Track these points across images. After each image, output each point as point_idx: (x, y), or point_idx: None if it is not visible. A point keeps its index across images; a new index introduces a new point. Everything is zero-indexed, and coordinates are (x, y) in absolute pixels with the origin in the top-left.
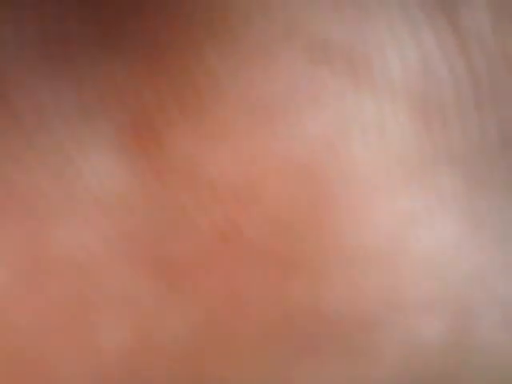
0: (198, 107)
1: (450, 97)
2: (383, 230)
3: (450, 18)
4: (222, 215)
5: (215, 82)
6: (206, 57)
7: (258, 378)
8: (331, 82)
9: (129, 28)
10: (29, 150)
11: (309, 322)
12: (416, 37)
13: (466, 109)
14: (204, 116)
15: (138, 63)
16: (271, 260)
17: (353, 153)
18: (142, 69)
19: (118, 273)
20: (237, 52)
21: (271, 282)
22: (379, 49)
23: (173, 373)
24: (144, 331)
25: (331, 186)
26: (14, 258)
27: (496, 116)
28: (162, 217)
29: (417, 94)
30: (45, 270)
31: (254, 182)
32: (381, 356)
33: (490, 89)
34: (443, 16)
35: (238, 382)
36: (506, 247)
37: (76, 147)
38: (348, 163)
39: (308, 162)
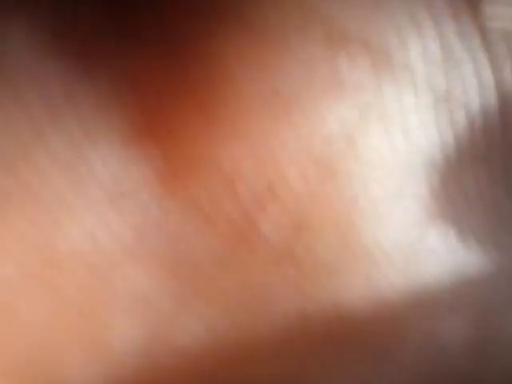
0: (213, 102)
1: (473, 91)
2: (405, 228)
3: (473, 11)
4: (238, 213)
5: (230, 75)
6: (220, 49)
7: (275, 379)
8: (350, 74)
9: (142, 21)
10: (40, 146)
11: (327, 322)
12: (438, 28)
13: (488, 101)
14: (219, 110)
15: (153, 57)
16: (289, 258)
17: (373, 147)
18: (156, 63)
19: (131, 271)
20: (252, 43)
21: (289, 281)
22: (399, 39)
23: (188, 374)
24: (157, 331)
25: (351, 182)
26: (24, 255)
27: None
28: (177, 214)
29: (439, 88)
30: (56, 267)
31: (272, 179)
32: (401, 358)
33: (511, 81)
34: (467, 8)
35: (254, 382)
36: None
37: (88, 143)
38: (369, 158)
39: (327, 157)
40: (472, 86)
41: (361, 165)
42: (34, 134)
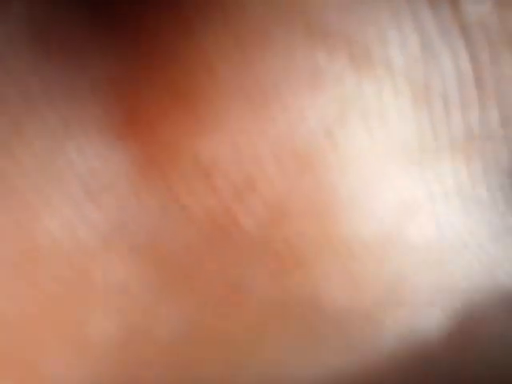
0: (192, 92)
1: (452, 84)
2: (384, 219)
3: (452, 3)
4: (217, 204)
5: (209, 67)
6: (199, 41)
7: (255, 370)
8: (330, 67)
9: (119, 13)
10: (16, 137)
11: (307, 313)
12: (417, 21)
13: (467, 96)
14: (198, 101)
15: (129, 48)
16: (268, 250)
17: (352, 139)
18: (133, 54)
19: (109, 264)
20: (232, 37)
21: (269, 273)
22: (379, 33)
23: (166, 366)
24: (136, 324)
25: (330, 174)
26: (1, 247)
27: (498, 103)
28: (154, 206)
29: (418, 80)
30: (32, 260)
31: (250, 170)
32: (380, 347)
33: (492, 76)
34: (446, 1)
35: (235, 374)
36: (510, 236)
37: (66, 134)
38: (347, 150)
39: (306, 149)
40: (451, 79)
41: (340, 158)
42: (11, 127)
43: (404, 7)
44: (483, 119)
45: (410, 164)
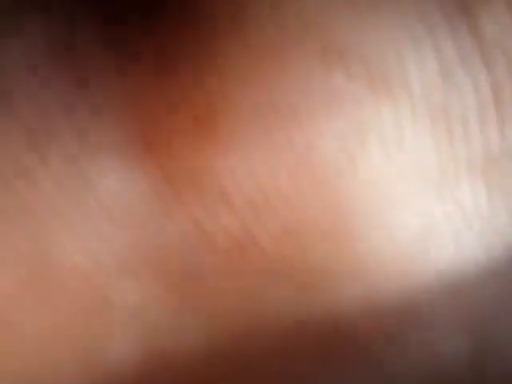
0: (210, 115)
1: (471, 107)
2: (402, 240)
3: (470, 25)
4: (236, 226)
5: (227, 90)
6: (218, 64)
7: None
8: (347, 89)
9: (139, 35)
10: (37, 160)
11: (323, 334)
12: (435, 44)
13: (486, 118)
14: (216, 124)
15: (149, 71)
16: (287, 271)
17: (370, 162)
18: (153, 77)
19: (127, 285)
20: (250, 59)
21: (286, 293)
22: (397, 55)
23: None
24: (155, 345)
25: (348, 197)
26: (22, 269)
27: None
28: (173, 228)
29: (436, 103)
30: (52, 281)
31: (268, 192)
32: (396, 364)
33: (510, 95)
34: (463, 23)
35: None
36: None
37: (85, 157)
38: (365, 173)
39: (323, 170)
40: (470, 101)
41: (357, 179)
42: (30, 148)
43: (422, 30)
44: (502, 141)
45: (428, 185)
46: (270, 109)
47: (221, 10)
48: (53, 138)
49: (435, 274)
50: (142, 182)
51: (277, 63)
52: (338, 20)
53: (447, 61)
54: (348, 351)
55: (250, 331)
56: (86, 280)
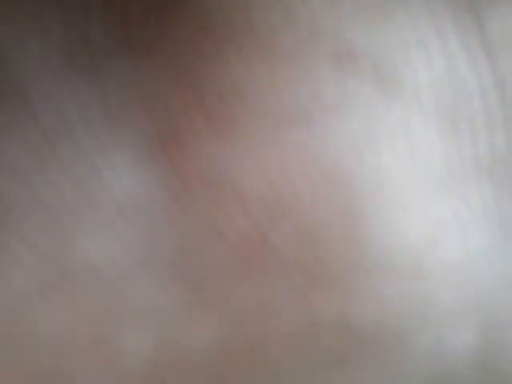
0: (224, 116)
1: (478, 107)
2: (412, 238)
3: (477, 26)
4: (249, 225)
5: (241, 91)
6: (231, 66)
7: None
8: (357, 90)
9: (154, 37)
10: (53, 161)
11: (335, 333)
12: (443, 44)
13: (493, 119)
14: (229, 125)
15: (163, 72)
16: (298, 270)
17: (380, 162)
18: (167, 77)
19: (143, 283)
20: (262, 61)
21: (298, 292)
22: (406, 56)
23: (199, 383)
24: (170, 341)
25: (359, 196)
26: (39, 266)
27: None
28: (187, 227)
29: (444, 104)
30: (70, 279)
31: (281, 192)
32: (408, 368)
33: None
34: (470, 24)
35: None
36: None
37: (100, 157)
38: (376, 172)
39: (335, 172)
40: (477, 101)
41: (368, 179)
42: (47, 147)
43: (430, 31)
44: (508, 141)
45: (436, 185)
46: (283, 110)
47: (236, 15)
48: (67, 135)
49: (443, 270)
50: (156, 181)
51: (289, 65)
52: (348, 24)
53: (455, 61)
54: (357, 348)
55: (261, 329)
56: (100, 276)
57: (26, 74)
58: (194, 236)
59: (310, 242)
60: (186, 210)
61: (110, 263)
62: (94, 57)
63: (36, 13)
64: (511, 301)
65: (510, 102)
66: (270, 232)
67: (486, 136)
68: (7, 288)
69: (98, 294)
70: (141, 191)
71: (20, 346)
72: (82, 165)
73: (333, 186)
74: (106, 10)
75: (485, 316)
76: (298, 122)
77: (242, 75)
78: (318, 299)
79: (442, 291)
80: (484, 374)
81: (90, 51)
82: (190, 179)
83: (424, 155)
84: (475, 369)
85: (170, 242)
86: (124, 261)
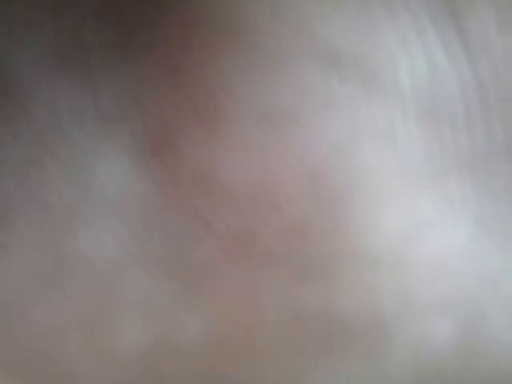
0: (214, 115)
1: (459, 106)
2: (394, 234)
3: (457, 26)
4: (237, 220)
5: (230, 91)
6: (220, 66)
7: (273, 378)
8: (342, 90)
9: (146, 38)
10: (48, 157)
11: (322, 323)
12: (424, 45)
13: (473, 116)
14: (219, 124)
15: (155, 73)
16: (286, 263)
17: (364, 158)
18: (158, 78)
19: (136, 276)
20: (251, 62)
21: (285, 284)
22: (389, 57)
23: (191, 373)
24: (162, 332)
25: (344, 191)
26: (36, 260)
27: (502, 122)
28: (178, 222)
29: (426, 102)
30: (65, 272)
31: (269, 188)
32: (392, 357)
33: (496, 95)
34: (451, 24)
35: (253, 381)
36: None
37: (94, 156)
38: (359, 169)
39: (321, 168)
40: (456, 100)
41: (352, 176)
42: (42, 146)
43: (412, 31)
44: (488, 139)
45: (418, 182)
46: (272, 109)
47: (225, 16)
48: (61, 134)
49: (425, 264)
50: (147, 179)
51: (276, 65)
52: (333, 24)
53: (435, 61)
54: (343, 338)
55: (251, 322)
56: (96, 270)
57: (21, 75)
58: (184, 231)
59: (296, 235)
60: (175, 206)
61: (103, 257)
62: (87, 58)
63: (30, 15)
64: (491, 296)
65: (489, 101)
66: (258, 225)
67: (467, 134)
68: (2, 282)
69: (91, 287)
70: (133, 188)
71: (17, 338)
72: (78, 165)
73: (318, 184)
74: (99, 12)
75: (465, 306)
76: (285, 121)
77: (231, 75)
78: (304, 291)
79: (424, 284)
80: (465, 362)
81: (84, 52)
82: (180, 176)
83: (406, 153)
84: (456, 357)
85: (161, 236)
86: (116, 255)
